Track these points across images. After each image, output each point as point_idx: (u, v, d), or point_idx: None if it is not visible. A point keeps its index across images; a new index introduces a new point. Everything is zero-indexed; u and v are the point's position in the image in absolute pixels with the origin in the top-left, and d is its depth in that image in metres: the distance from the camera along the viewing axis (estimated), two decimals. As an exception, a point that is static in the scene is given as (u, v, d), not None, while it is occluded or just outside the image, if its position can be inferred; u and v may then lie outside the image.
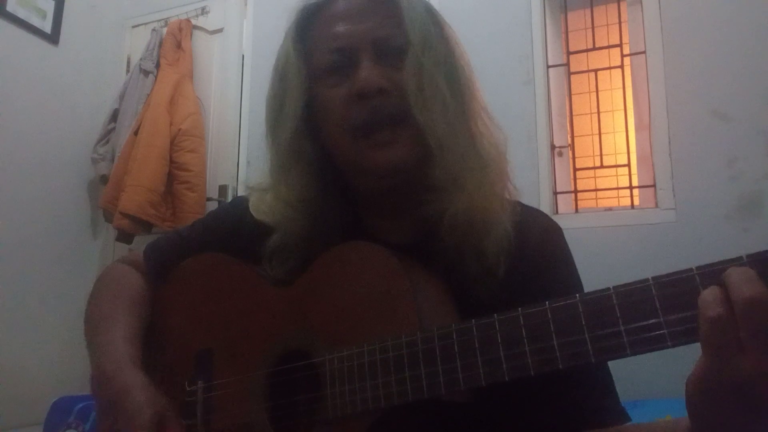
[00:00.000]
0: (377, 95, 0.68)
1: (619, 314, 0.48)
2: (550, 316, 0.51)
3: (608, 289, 0.49)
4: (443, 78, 0.69)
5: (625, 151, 2.53)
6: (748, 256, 0.43)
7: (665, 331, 0.45)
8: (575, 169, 2.60)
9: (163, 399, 0.67)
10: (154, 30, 3.21)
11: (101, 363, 0.71)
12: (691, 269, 0.45)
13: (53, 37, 3.03)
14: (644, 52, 2.41)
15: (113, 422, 0.66)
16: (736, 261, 0.43)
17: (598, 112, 2.68)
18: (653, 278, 0.47)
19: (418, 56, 0.68)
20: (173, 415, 0.66)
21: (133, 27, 3.43)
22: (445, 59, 0.70)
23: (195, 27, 3.19)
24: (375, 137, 0.69)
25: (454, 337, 0.55)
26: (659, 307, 0.46)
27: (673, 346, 0.45)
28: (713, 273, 0.44)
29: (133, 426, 0.63)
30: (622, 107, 2.56)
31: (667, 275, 0.46)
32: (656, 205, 2.30)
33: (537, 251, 0.72)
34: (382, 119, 0.68)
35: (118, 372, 0.68)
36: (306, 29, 0.75)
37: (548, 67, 2.56)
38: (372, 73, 0.68)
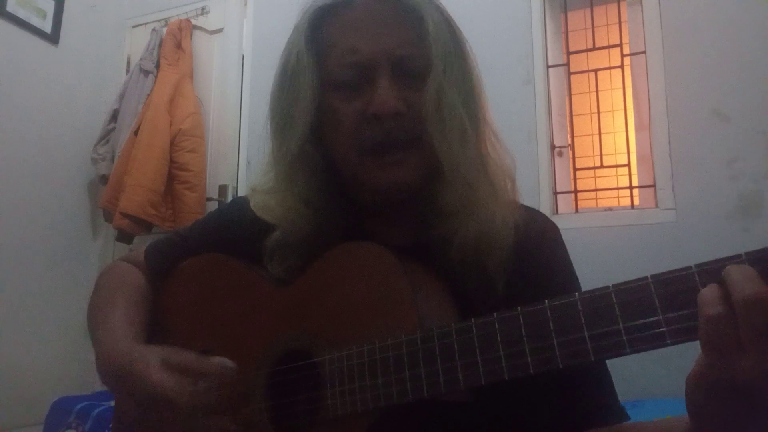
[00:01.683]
0: (392, 118, 0.67)
1: (618, 312, 0.48)
2: (549, 314, 0.51)
3: (607, 287, 0.49)
4: (461, 102, 0.67)
5: (625, 151, 2.53)
6: (747, 253, 0.43)
7: (665, 329, 0.45)
8: (575, 169, 2.60)
9: (167, 346, 0.67)
10: (154, 30, 3.21)
11: (102, 347, 0.72)
12: (690, 267, 0.45)
13: (53, 37, 3.04)
14: (644, 52, 2.41)
15: (130, 397, 0.66)
16: (736, 259, 0.43)
17: (598, 112, 2.68)
18: (652, 276, 0.47)
19: (440, 79, 0.66)
20: (184, 352, 0.66)
21: (133, 27, 3.43)
22: (463, 82, 0.68)
23: (195, 27, 3.19)
24: (384, 157, 0.68)
25: (454, 336, 0.55)
26: (658, 305, 0.46)
27: (673, 344, 0.45)
28: (712, 271, 0.44)
29: (146, 386, 0.63)
30: (622, 107, 2.56)
31: (666, 273, 0.46)
32: (656, 205, 2.30)
33: (535, 253, 0.72)
34: (394, 142, 0.67)
35: (118, 349, 0.69)
36: (320, 31, 0.72)
37: (548, 67, 2.56)
38: (389, 95, 0.66)
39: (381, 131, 0.67)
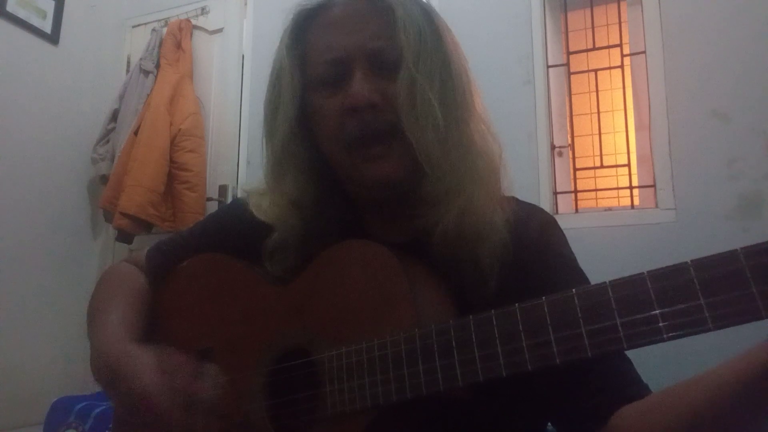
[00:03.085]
0: (368, 110, 0.67)
1: (615, 307, 0.48)
2: (546, 310, 0.51)
3: (604, 283, 0.49)
4: (437, 91, 0.67)
5: (625, 151, 2.53)
6: (743, 249, 0.43)
7: (661, 324, 0.45)
8: (575, 169, 2.60)
9: (159, 347, 0.67)
10: (154, 30, 3.22)
11: (95, 345, 0.72)
12: (686, 263, 0.45)
13: (53, 37, 3.04)
14: (644, 52, 2.41)
15: (122, 396, 0.66)
16: (732, 254, 0.44)
17: (598, 112, 2.68)
18: (648, 272, 0.47)
19: (411, 70, 0.67)
20: (176, 355, 0.66)
21: (133, 27, 3.43)
22: (440, 71, 0.69)
23: (195, 27, 3.19)
24: (367, 151, 0.68)
25: (452, 333, 0.55)
26: (655, 301, 0.46)
27: (669, 339, 0.45)
28: (708, 266, 0.44)
29: (139, 386, 0.63)
30: (622, 107, 2.56)
31: (662, 268, 0.46)
32: (656, 205, 2.30)
33: (537, 246, 0.72)
34: (373, 134, 0.68)
35: (111, 349, 0.69)
36: (301, 35, 0.74)
37: (548, 67, 2.56)
38: (363, 87, 0.67)
39: (360, 124, 0.68)
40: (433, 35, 0.70)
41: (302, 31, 0.75)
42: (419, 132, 0.66)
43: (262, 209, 0.76)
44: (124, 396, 0.65)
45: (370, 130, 0.68)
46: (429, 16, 0.72)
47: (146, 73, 3.08)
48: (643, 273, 0.47)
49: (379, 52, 0.69)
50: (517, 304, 0.53)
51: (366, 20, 0.71)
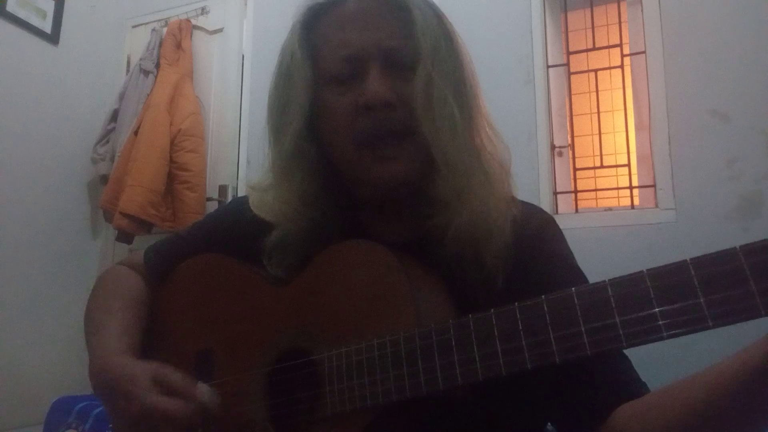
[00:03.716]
0: (383, 109, 0.67)
1: (614, 306, 0.48)
2: (546, 309, 0.51)
3: (603, 281, 0.49)
4: (452, 92, 0.67)
5: (625, 151, 2.53)
6: (741, 247, 0.43)
7: (661, 322, 0.45)
8: (575, 169, 2.60)
9: (158, 365, 0.66)
10: (154, 30, 3.21)
11: (94, 359, 0.71)
12: (684, 261, 0.45)
13: (53, 37, 3.04)
14: (644, 52, 2.41)
15: (121, 414, 0.65)
16: (731, 252, 0.44)
17: (598, 112, 2.68)
18: (648, 270, 0.47)
19: (429, 70, 0.67)
20: (174, 373, 0.65)
21: (133, 27, 3.43)
22: (453, 73, 0.69)
23: (195, 27, 3.19)
24: (379, 150, 0.68)
25: (452, 332, 0.55)
26: (654, 299, 0.46)
27: (669, 337, 0.45)
28: (706, 264, 0.45)
29: (138, 406, 0.62)
30: (622, 107, 2.56)
31: (662, 267, 0.46)
32: (656, 205, 2.30)
33: (535, 247, 0.72)
34: (385, 133, 0.68)
35: (109, 364, 0.68)
36: (314, 29, 0.74)
37: (548, 67, 2.56)
38: (380, 86, 0.67)
39: (373, 122, 0.68)
40: (446, 37, 0.71)
41: (315, 26, 0.74)
42: (436, 132, 0.66)
43: (266, 204, 0.75)
44: (123, 413, 0.65)
45: (383, 129, 0.68)
46: (440, 18, 0.72)
47: (146, 73, 3.08)
48: (642, 271, 0.47)
49: (396, 51, 0.69)
50: (516, 303, 0.53)
51: (383, 18, 0.70)
